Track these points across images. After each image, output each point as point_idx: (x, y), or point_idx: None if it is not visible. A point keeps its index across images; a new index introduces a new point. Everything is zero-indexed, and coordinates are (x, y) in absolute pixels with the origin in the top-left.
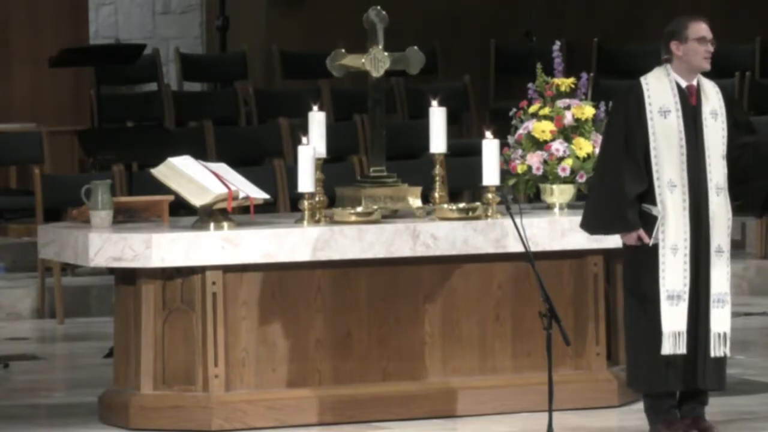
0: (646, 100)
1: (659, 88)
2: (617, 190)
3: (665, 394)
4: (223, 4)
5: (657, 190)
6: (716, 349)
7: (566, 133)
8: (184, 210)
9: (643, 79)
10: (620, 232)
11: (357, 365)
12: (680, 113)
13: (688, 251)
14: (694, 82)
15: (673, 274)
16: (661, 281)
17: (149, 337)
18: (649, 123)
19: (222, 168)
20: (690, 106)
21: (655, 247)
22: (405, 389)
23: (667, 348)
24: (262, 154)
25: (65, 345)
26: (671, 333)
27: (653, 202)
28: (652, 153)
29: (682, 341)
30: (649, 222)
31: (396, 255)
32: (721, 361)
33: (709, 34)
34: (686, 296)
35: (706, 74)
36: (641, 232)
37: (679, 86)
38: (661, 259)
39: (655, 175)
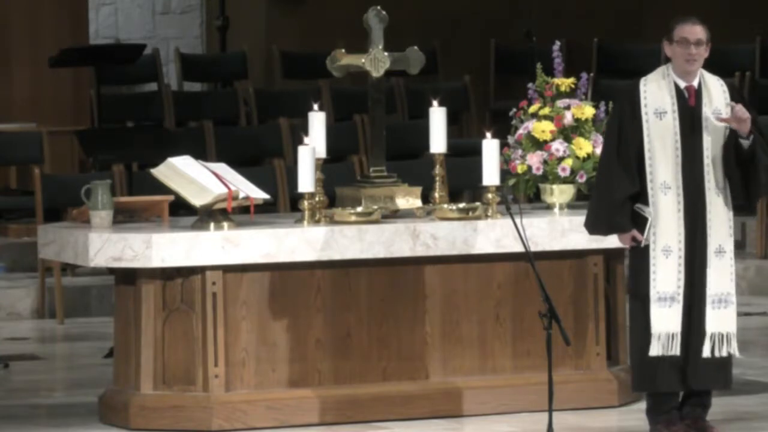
0: (642, 102)
1: (656, 90)
2: (607, 192)
3: (667, 395)
4: (223, 4)
5: (650, 192)
6: (715, 350)
7: (566, 133)
8: (184, 210)
9: (642, 80)
10: (611, 233)
11: (357, 365)
12: (677, 114)
13: (682, 253)
14: (695, 83)
15: (666, 276)
16: (652, 282)
17: (149, 337)
18: (644, 125)
19: (222, 168)
20: (688, 107)
21: (648, 248)
22: (405, 389)
23: (656, 349)
24: (262, 154)
25: (65, 345)
26: (661, 334)
27: (647, 203)
28: (647, 155)
29: (675, 342)
30: (640, 223)
31: (396, 255)
32: (723, 361)
33: (694, 36)
34: (680, 298)
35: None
36: (635, 233)
37: (677, 87)
38: (651, 260)
39: (648, 177)
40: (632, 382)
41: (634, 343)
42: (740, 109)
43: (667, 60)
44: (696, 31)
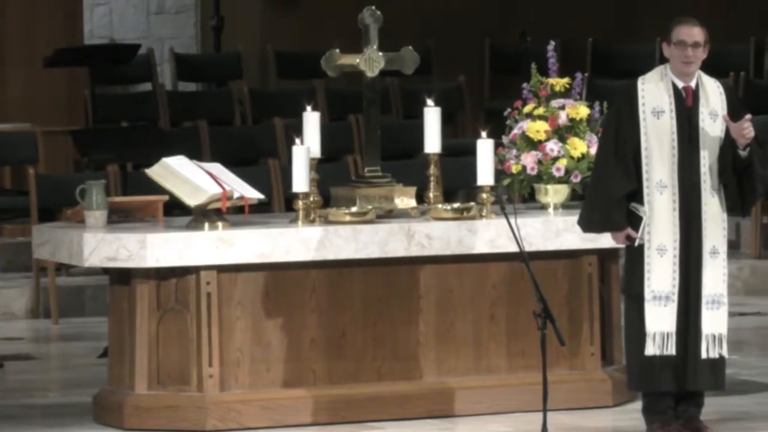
0: (640, 101)
1: (654, 89)
2: (603, 191)
3: (662, 395)
4: (218, 3)
5: (645, 191)
6: (710, 351)
7: (561, 133)
8: (178, 210)
9: (640, 80)
10: (606, 230)
11: (351, 365)
12: (674, 114)
13: (677, 252)
14: (692, 83)
15: (660, 275)
16: (646, 282)
17: (144, 337)
18: (642, 123)
19: (216, 168)
20: (685, 107)
21: (642, 247)
22: (400, 389)
23: (651, 349)
24: (256, 154)
25: (60, 345)
26: (656, 333)
27: (642, 202)
28: (643, 153)
29: (670, 342)
30: (635, 221)
31: (390, 255)
32: (717, 362)
33: (691, 39)
34: (675, 297)
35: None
36: (630, 231)
37: (675, 87)
38: (646, 260)
39: (644, 176)
40: (627, 381)
41: (630, 343)
42: (749, 128)
43: (665, 59)
44: (693, 33)
